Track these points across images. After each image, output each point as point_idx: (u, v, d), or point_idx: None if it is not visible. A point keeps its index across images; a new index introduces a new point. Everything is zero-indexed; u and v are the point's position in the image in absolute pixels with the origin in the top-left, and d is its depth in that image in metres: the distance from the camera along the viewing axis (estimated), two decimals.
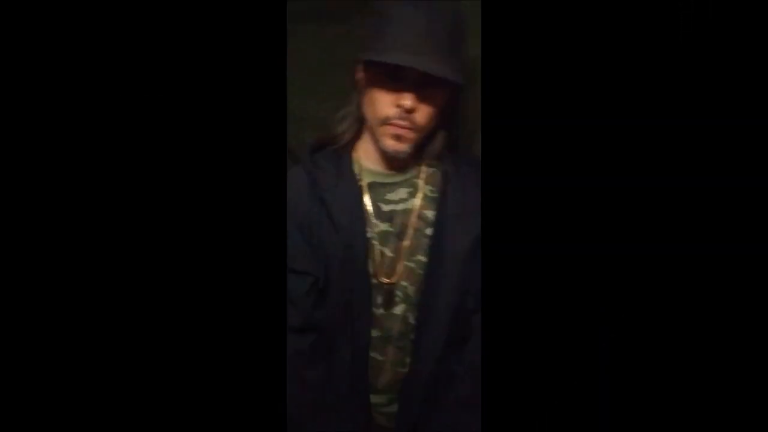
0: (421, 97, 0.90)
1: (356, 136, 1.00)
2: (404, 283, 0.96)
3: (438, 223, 0.96)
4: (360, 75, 0.94)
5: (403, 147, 0.93)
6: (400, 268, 0.95)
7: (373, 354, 0.96)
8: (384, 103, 0.91)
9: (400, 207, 0.98)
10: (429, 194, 0.98)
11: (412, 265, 0.96)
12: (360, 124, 0.98)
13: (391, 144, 0.93)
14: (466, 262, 0.94)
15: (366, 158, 0.99)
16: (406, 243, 0.96)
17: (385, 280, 0.95)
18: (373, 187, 0.98)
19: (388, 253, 0.96)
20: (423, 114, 0.91)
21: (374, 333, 0.96)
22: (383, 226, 0.96)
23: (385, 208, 0.97)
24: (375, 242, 0.96)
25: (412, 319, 0.96)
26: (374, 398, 0.99)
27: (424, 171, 0.99)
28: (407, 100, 0.88)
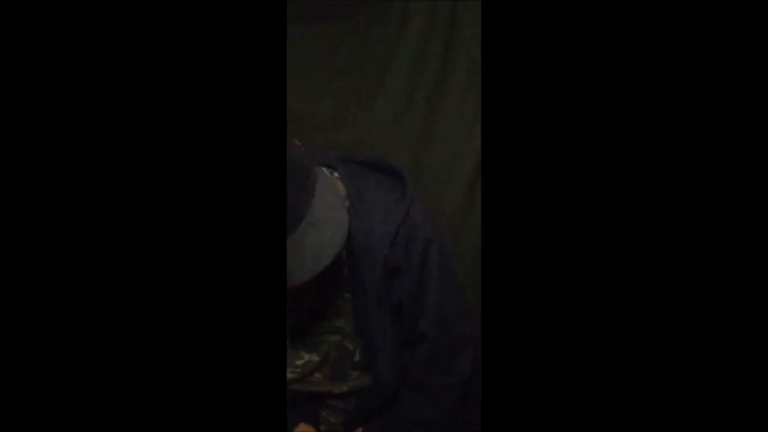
0: None
1: None
2: (332, 319, 1.00)
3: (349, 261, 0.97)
4: None
5: None
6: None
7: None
8: None
9: None
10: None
11: (339, 300, 0.99)
12: None
13: None
14: (385, 284, 0.96)
15: None
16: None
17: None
18: None
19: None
20: None
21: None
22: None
23: None
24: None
25: (349, 345, 1.00)
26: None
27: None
28: None
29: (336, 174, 0.97)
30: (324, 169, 0.95)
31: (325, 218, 0.85)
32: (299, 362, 1.00)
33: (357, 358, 1.01)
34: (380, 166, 1.01)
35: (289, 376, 0.99)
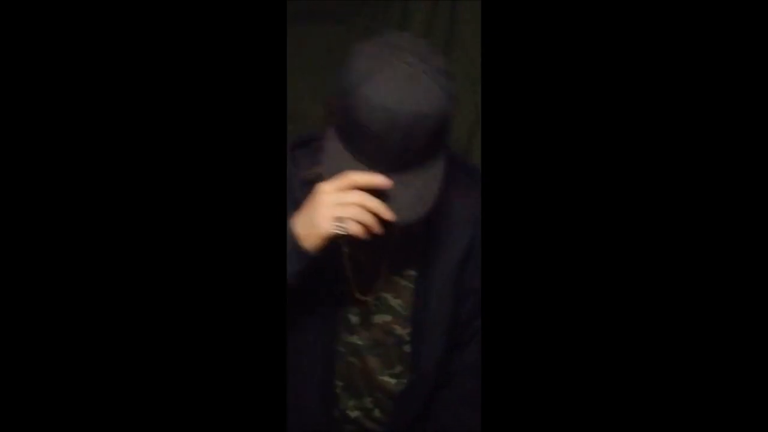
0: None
1: None
2: (386, 295, 0.93)
3: (429, 236, 0.92)
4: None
5: None
6: (380, 282, 0.92)
7: (351, 359, 0.95)
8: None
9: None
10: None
11: (397, 277, 0.93)
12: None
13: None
14: (459, 270, 0.91)
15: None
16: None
17: (361, 297, 0.92)
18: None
19: (364, 261, 0.92)
20: None
21: (350, 339, 0.94)
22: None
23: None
24: (345, 249, 0.92)
25: (399, 330, 0.94)
26: (355, 402, 0.97)
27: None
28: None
29: None
30: None
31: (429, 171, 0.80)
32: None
33: (408, 349, 0.95)
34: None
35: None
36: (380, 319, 0.93)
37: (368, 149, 0.75)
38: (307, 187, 0.82)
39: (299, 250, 0.78)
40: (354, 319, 0.93)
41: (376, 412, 0.98)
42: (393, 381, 0.96)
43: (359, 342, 0.94)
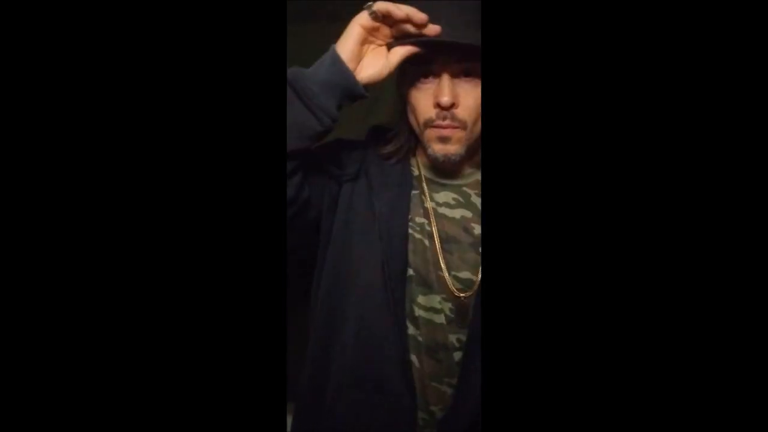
0: (460, 90, 0.85)
1: (412, 150, 0.96)
2: (443, 295, 0.91)
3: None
4: (401, 83, 0.90)
5: (452, 149, 0.87)
6: (443, 279, 0.90)
7: (411, 356, 0.90)
8: (423, 106, 0.86)
9: (442, 211, 0.93)
10: (480, 206, 0.92)
11: (454, 280, 0.90)
12: (413, 137, 0.93)
13: (438, 148, 0.88)
14: None
15: (423, 167, 0.95)
16: (450, 255, 0.91)
17: (461, 295, 0.88)
18: (421, 180, 0.93)
19: (430, 257, 0.90)
20: (466, 108, 0.86)
21: (410, 330, 0.90)
22: (421, 221, 0.92)
23: (428, 204, 0.92)
24: (418, 235, 0.91)
25: (453, 339, 0.90)
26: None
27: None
28: (445, 96, 0.83)
29: None
30: None
31: None
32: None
33: (458, 358, 0.89)
34: None
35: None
36: (440, 319, 0.91)
37: None
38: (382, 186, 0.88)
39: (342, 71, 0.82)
40: None
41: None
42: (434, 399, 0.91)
43: (415, 334, 0.91)
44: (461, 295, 0.88)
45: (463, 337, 0.89)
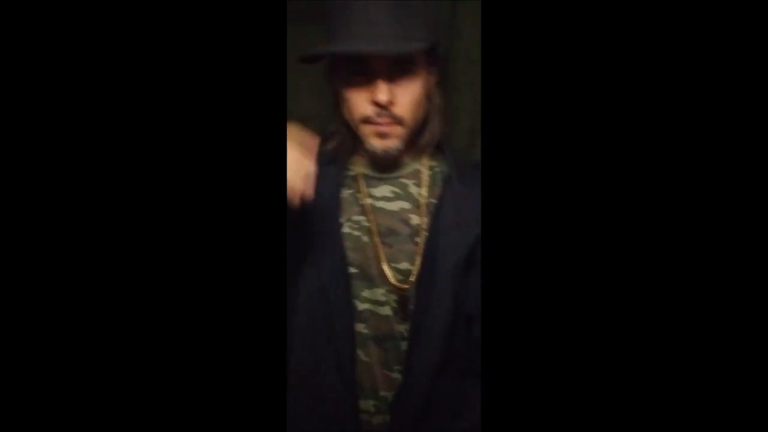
0: (397, 88, 0.84)
1: (352, 145, 0.94)
2: (387, 287, 0.91)
3: (432, 232, 0.90)
4: (332, 77, 0.89)
5: (391, 144, 0.87)
6: (386, 270, 0.91)
7: (358, 351, 0.91)
8: (358, 102, 0.86)
9: (380, 205, 0.93)
10: (420, 199, 0.93)
11: (395, 272, 0.91)
12: (351, 131, 0.92)
13: (377, 143, 0.87)
14: (461, 274, 0.89)
15: (360, 164, 0.94)
16: (389, 248, 0.91)
17: (403, 287, 0.89)
18: (357, 179, 0.93)
19: (369, 252, 0.91)
20: (403, 106, 0.85)
21: (358, 328, 0.91)
22: (357, 218, 0.92)
23: (364, 201, 0.92)
24: (356, 233, 0.91)
25: (401, 329, 0.91)
26: (361, 404, 0.93)
27: (423, 173, 0.94)
28: (381, 94, 0.83)
29: None
30: None
31: None
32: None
33: (404, 347, 0.90)
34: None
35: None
36: (386, 311, 0.91)
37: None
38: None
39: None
40: None
41: (378, 417, 0.94)
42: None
43: (365, 331, 0.92)
44: (403, 286, 0.89)
45: (408, 326, 0.90)
